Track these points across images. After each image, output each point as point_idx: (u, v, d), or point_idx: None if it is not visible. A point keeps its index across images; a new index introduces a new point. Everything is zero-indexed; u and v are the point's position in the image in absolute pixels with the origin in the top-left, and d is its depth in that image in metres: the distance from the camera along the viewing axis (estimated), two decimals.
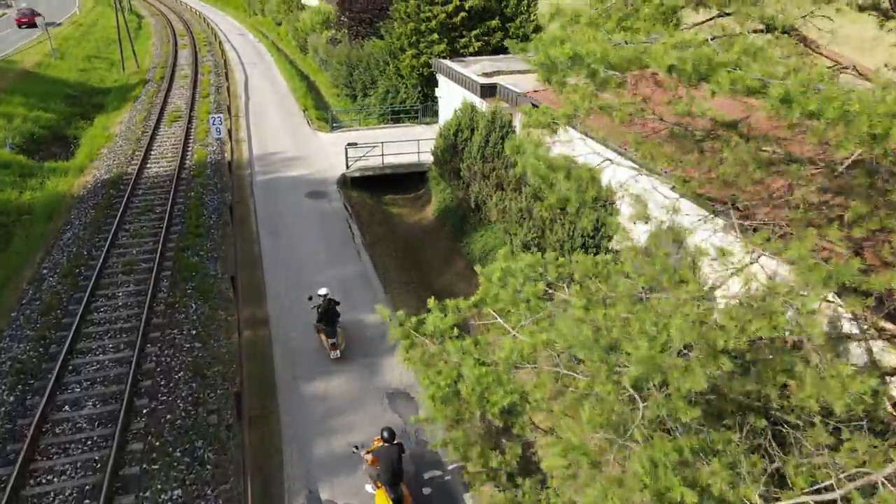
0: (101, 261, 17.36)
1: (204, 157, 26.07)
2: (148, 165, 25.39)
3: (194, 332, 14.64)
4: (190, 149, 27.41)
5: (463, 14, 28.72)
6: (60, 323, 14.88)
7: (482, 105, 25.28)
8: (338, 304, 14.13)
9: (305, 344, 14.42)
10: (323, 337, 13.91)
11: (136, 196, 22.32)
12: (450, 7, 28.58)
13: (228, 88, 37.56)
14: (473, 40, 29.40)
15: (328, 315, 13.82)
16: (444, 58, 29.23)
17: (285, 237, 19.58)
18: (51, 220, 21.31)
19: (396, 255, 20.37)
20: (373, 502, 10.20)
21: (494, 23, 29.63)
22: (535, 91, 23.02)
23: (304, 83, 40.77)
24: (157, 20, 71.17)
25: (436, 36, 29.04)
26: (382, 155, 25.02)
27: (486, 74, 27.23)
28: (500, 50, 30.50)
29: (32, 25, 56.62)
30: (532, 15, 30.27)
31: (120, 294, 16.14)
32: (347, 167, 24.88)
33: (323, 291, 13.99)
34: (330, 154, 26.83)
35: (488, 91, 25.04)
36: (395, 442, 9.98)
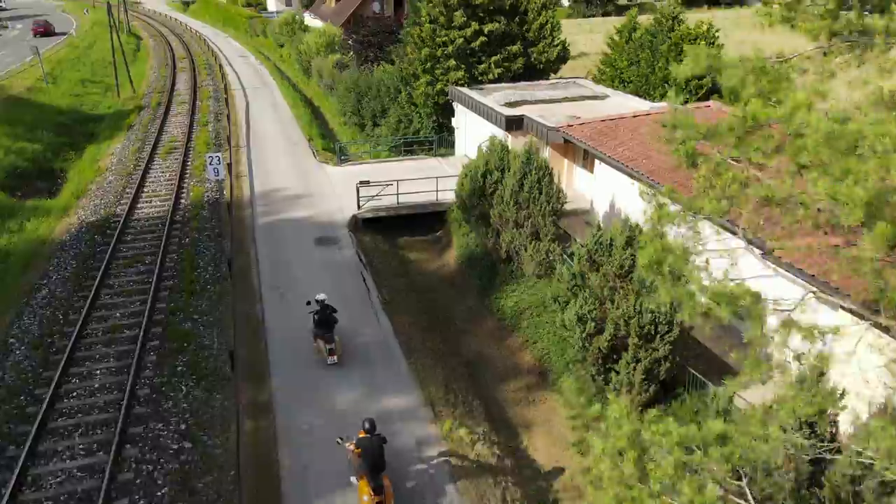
0: (77, 327, 14.93)
1: (200, 196, 23.74)
2: (139, 206, 23.03)
3: (184, 426, 12.15)
4: (185, 185, 25.07)
5: (482, 39, 26.60)
6: (24, 413, 12.40)
7: (507, 139, 23.02)
8: (335, 311, 14.23)
9: (320, 443, 11.93)
10: (321, 343, 14.11)
11: (124, 243, 19.93)
12: (468, 31, 26.45)
13: (228, 116, 35.38)
14: (493, 66, 27.24)
15: (326, 321, 14.05)
16: (462, 85, 27.08)
17: (292, 295, 17.14)
18: (27, 270, 18.90)
19: (418, 313, 17.95)
20: (356, 494, 10.43)
21: (516, 48, 27.50)
22: (569, 125, 20.77)
23: (308, 109, 38.64)
24: (156, 42, 69.41)
25: (453, 62, 26.88)
26: (398, 194, 22.68)
27: (509, 105, 25.01)
28: (521, 76, 28.38)
29: (48, 34, 68.10)
30: (555, 39, 28.16)
31: (97, 373, 13.66)
32: (359, 207, 22.53)
33: (321, 297, 14.24)
34: (338, 191, 24.50)
35: (514, 124, 22.81)
36: (377, 433, 10.33)
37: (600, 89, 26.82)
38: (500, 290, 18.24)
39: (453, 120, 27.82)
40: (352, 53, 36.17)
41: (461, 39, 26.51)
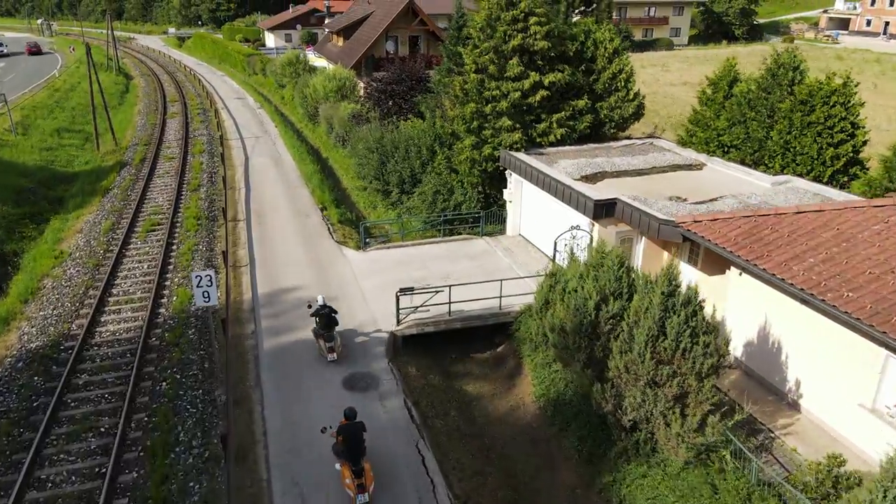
0: None
1: (186, 302, 17.99)
2: (103, 318, 17.25)
3: None
4: (167, 284, 19.34)
5: (543, 92, 21.26)
6: None
7: (594, 229, 17.52)
8: (335, 311, 15.31)
9: None
10: (321, 342, 15.29)
11: (74, 391, 14.08)
12: (526, 83, 21.12)
13: (224, 177, 29.83)
14: (555, 125, 21.87)
15: (326, 322, 15.09)
16: (518, 149, 21.67)
17: (322, 495, 11.27)
18: None
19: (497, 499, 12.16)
20: (339, 477, 11.17)
21: (582, 103, 22.18)
22: (695, 221, 15.19)
23: (317, 166, 33.15)
24: (146, 81, 64.39)
25: (506, 121, 21.49)
26: (450, 303, 17.03)
27: (586, 178, 19.55)
28: (587, 137, 23.04)
29: (38, 53, 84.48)
30: (630, 92, 22.87)
31: None
32: (398, 321, 16.84)
33: (320, 300, 15.45)
34: (366, 291, 18.82)
35: (604, 210, 17.32)
36: (357, 420, 11.19)
37: (690, 155, 21.45)
38: (618, 470, 12.45)
39: (506, 192, 22.37)
40: (372, 104, 30.75)
41: (517, 94, 21.16)
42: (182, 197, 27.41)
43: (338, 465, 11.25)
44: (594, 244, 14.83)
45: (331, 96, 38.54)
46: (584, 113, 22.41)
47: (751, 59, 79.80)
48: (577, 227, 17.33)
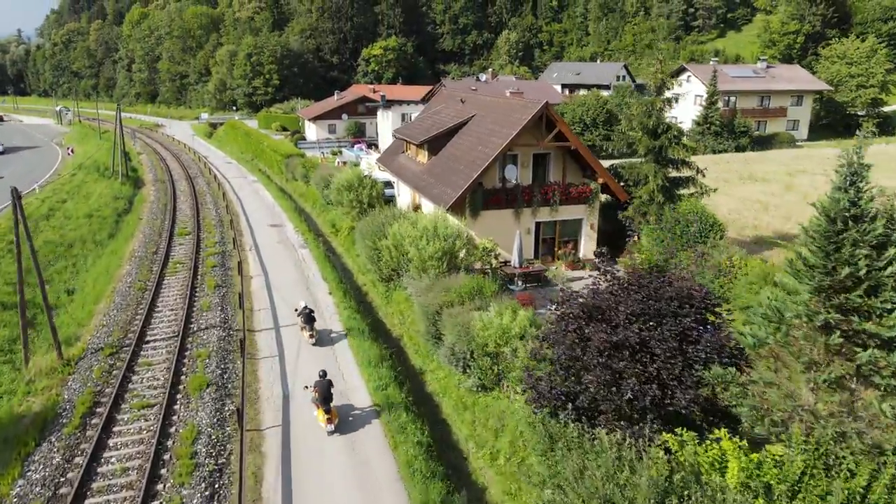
0: None
1: None
2: None
3: None
4: None
5: None
6: None
7: None
8: (313, 311, 21.68)
9: None
10: (305, 333, 21.45)
11: None
12: None
13: (241, 488, 13.47)
14: None
15: (307, 319, 21.24)
16: None
17: None
18: None
19: None
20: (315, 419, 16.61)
21: None
22: None
23: (419, 426, 16.89)
24: (157, 192, 50.26)
25: None
26: None
27: None
28: None
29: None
30: None
31: None
32: None
33: (303, 304, 22.00)
34: None
35: None
36: (326, 378, 16.77)
37: None
38: None
39: None
40: (566, 368, 14.02)
41: None
42: None
43: (315, 412, 16.74)
44: None
45: (431, 266, 22.65)
46: None
47: None
48: None
